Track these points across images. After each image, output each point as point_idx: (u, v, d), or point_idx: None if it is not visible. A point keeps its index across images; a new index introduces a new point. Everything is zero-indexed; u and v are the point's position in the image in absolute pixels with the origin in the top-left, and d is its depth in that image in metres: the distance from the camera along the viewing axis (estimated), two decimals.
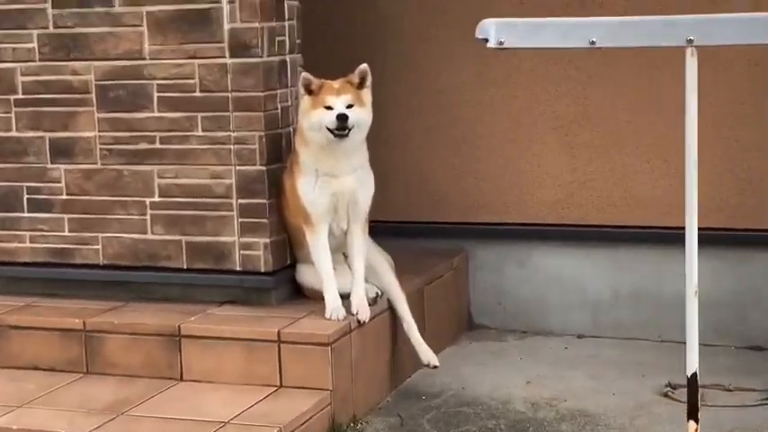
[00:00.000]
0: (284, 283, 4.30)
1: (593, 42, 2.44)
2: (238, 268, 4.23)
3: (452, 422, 3.99)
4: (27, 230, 4.50)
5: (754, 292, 4.77)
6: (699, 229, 4.69)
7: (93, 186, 4.38)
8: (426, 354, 4.28)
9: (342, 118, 3.87)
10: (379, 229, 4.44)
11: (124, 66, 4.25)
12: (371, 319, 4.08)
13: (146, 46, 4.22)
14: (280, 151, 4.23)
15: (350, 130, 3.91)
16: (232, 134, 4.16)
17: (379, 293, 4.24)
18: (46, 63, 4.37)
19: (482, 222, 5.10)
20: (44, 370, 4.21)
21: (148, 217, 4.32)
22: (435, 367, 4.28)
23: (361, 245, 4.13)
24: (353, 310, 4.03)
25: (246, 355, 3.95)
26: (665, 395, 4.18)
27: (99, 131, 4.34)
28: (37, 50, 4.38)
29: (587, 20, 2.47)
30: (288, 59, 4.27)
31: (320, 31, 5.16)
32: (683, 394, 4.09)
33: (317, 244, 4.07)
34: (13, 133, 4.46)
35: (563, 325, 5.04)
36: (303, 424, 3.66)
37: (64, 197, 4.43)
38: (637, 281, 4.91)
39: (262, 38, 4.09)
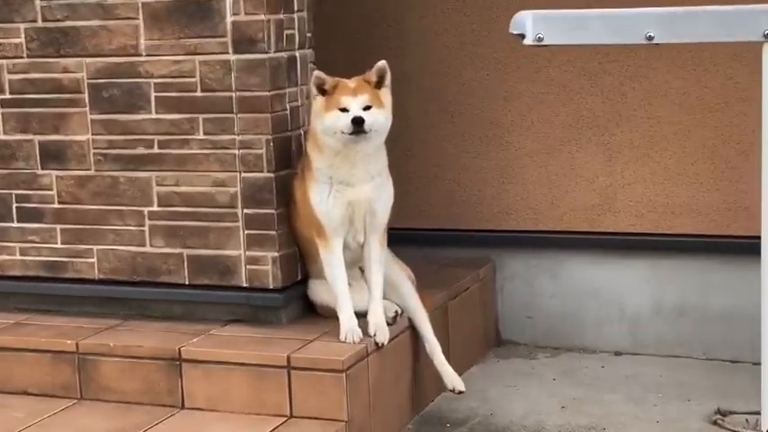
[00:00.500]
0: (294, 300, 3.96)
1: (650, 38, 2.06)
2: (244, 284, 3.90)
3: None
4: (16, 242, 4.19)
5: None
6: (753, 237, 4.34)
7: (86, 194, 4.05)
8: (451, 378, 3.92)
9: (358, 122, 3.52)
10: (398, 238, 4.10)
11: (118, 62, 3.92)
12: (391, 340, 3.73)
13: (141, 41, 3.88)
14: (289, 156, 3.88)
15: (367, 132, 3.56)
16: (237, 138, 3.82)
17: (399, 312, 3.89)
18: (34, 60, 4.04)
19: (510, 230, 4.74)
20: (35, 395, 3.90)
21: (147, 228, 3.99)
22: (461, 393, 3.92)
23: (379, 259, 3.77)
24: (371, 332, 3.68)
25: (253, 382, 3.61)
26: (715, 423, 3.81)
27: (92, 134, 4.01)
28: (24, 46, 4.04)
29: (643, 11, 2.08)
30: (297, 55, 3.91)
31: (333, 24, 4.82)
32: (734, 422, 3.76)
33: (331, 258, 3.72)
34: (1, 136, 4.15)
35: (599, 341, 4.68)
36: None
37: (55, 206, 4.11)
38: (680, 294, 4.54)
39: (268, 31, 3.73)
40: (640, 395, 4.14)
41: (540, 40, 2.12)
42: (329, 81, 3.62)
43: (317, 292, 3.93)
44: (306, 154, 3.78)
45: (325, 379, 3.52)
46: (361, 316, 3.73)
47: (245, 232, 3.86)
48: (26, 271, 4.19)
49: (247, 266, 3.88)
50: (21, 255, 4.18)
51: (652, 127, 4.48)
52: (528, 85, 4.62)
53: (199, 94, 3.84)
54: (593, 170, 4.58)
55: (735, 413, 3.85)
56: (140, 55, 3.88)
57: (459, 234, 4.82)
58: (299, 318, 3.95)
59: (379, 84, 3.64)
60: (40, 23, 4.00)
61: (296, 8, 3.90)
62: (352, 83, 3.62)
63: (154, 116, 3.90)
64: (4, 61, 4.07)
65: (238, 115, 3.80)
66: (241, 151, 3.82)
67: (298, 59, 3.91)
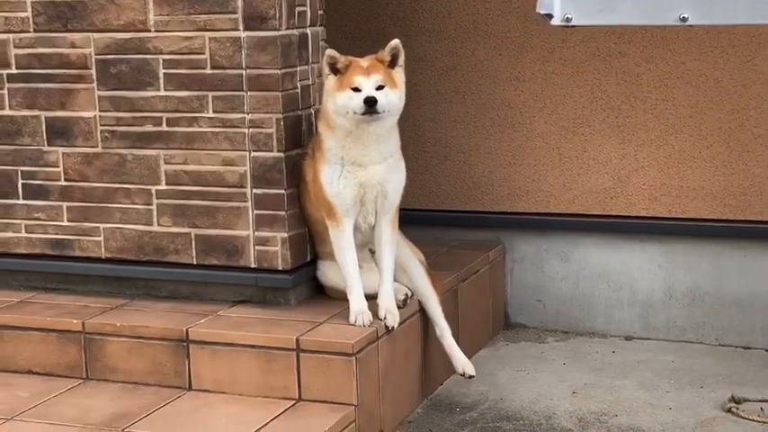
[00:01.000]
0: (303, 281, 3.90)
1: (684, 19, 1.98)
2: (253, 265, 3.84)
3: None
4: (22, 219, 4.13)
5: None
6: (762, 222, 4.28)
7: (93, 172, 3.98)
8: (461, 362, 3.88)
9: (370, 102, 3.44)
10: (407, 219, 4.04)
11: (127, 38, 3.84)
12: (401, 323, 3.68)
13: (150, 16, 3.80)
14: (299, 136, 3.81)
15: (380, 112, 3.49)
16: (246, 116, 3.74)
17: (409, 294, 3.84)
18: (41, 34, 3.96)
19: (521, 212, 4.68)
20: (40, 374, 3.86)
21: (154, 207, 3.92)
22: (471, 377, 3.87)
23: (390, 241, 3.71)
24: (381, 315, 3.63)
25: (261, 364, 3.56)
26: (729, 411, 3.76)
27: (99, 111, 3.94)
28: (31, 20, 3.97)
29: None
30: (309, 33, 3.83)
31: (345, 2, 4.73)
32: (749, 410, 3.71)
33: (342, 240, 3.66)
34: (6, 111, 4.07)
35: (609, 325, 4.62)
36: None
37: (62, 183, 4.04)
38: (692, 278, 4.49)
39: (280, 8, 3.66)
40: (652, 381, 4.09)
41: (568, 20, 2.05)
42: (342, 60, 3.54)
43: (327, 273, 3.87)
44: (317, 134, 3.71)
45: (334, 362, 3.47)
46: (371, 298, 3.68)
47: (255, 212, 3.80)
48: (32, 249, 4.13)
49: (256, 247, 3.82)
50: (26, 232, 4.12)
51: (667, 109, 4.41)
52: (541, 65, 4.55)
53: (208, 71, 3.76)
54: (606, 153, 4.52)
55: (748, 400, 3.80)
56: (149, 31, 3.81)
57: (469, 216, 4.76)
58: (308, 299, 3.90)
59: (392, 63, 3.57)
60: None
61: None
62: (365, 62, 3.55)
63: (162, 93, 3.83)
64: (11, 36, 4.00)
65: (248, 93, 3.73)
66: (251, 130, 3.75)
67: (309, 37, 3.84)
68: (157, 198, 3.92)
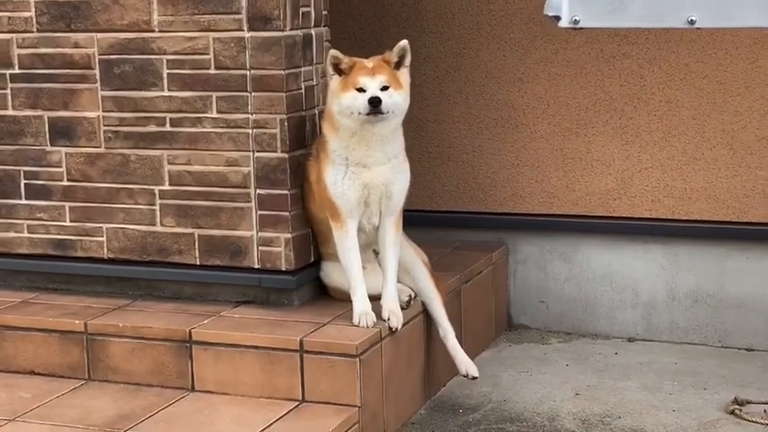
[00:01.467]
0: (307, 282, 3.89)
1: (692, 21, 1.98)
2: (256, 266, 3.83)
3: None
4: (24, 219, 4.12)
5: None
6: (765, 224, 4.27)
7: (96, 172, 3.97)
8: (465, 363, 3.87)
9: (375, 102, 3.44)
10: (412, 219, 4.03)
11: (131, 38, 3.83)
12: (404, 324, 3.68)
13: (154, 16, 3.79)
14: (303, 136, 3.80)
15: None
16: (250, 117, 3.74)
17: (413, 295, 3.83)
18: (45, 34, 3.95)
19: (524, 213, 4.67)
20: (42, 375, 3.85)
21: (157, 207, 3.91)
22: (474, 378, 3.87)
23: (394, 242, 3.71)
24: (384, 316, 3.62)
25: (265, 366, 3.55)
26: (732, 413, 3.75)
27: (103, 111, 3.93)
28: (35, 20, 3.96)
29: None
30: (313, 33, 3.82)
31: (349, 2, 4.73)
32: (752, 412, 3.71)
33: (345, 241, 3.65)
34: (9, 111, 4.06)
35: (612, 327, 4.62)
36: None
37: (65, 183, 4.03)
38: (695, 280, 4.48)
39: (284, 9, 3.65)
40: (655, 383, 4.08)
41: (576, 22, 2.04)
42: (345, 60, 3.54)
43: (330, 274, 3.86)
44: (321, 134, 3.71)
45: (338, 363, 3.46)
46: (375, 299, 3.67)
47: (258, 213, 3.79)
48: (34, 249, 4.12)
49: (260, 248, 3.81)
50: (29, 232, 4.11)
51: (670, 111, 4.40)
52: (544, 66, 4.54)
53: (212, 71, 3.76)
54: (609, 154, 4.51)
55: (752, 402, 3.79)
56: (153, 31, 3.80)
57: (472, 217, 4.75)
58: (312, 300, 3.89)
59: (398, 64, 3.57)
60: None
61: None
62: (369, 62, 3.54)
63: (166, 93, 3.83)
64: (14, 35, 3.99)
65: (252, 94, 3.73)
66: (255, 130, 3.74)
67: (314, 37, 3.83)
68: (161, 198, 3.91)
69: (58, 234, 4.07)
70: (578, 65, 4.49)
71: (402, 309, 3.69)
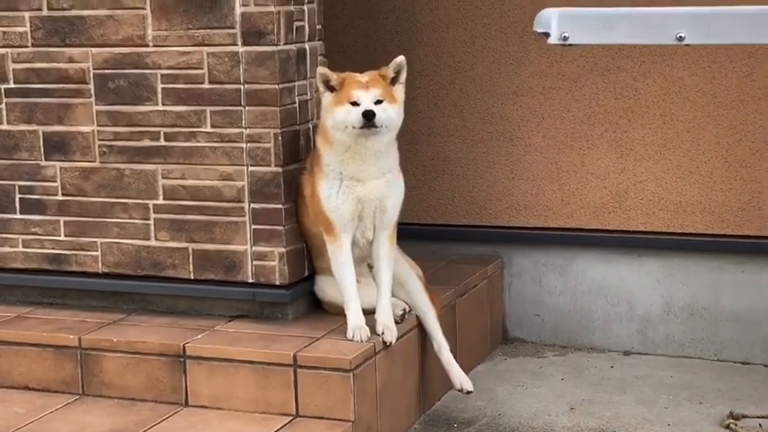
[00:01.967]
0: (301, 296, 3.89)
1: (681, 38, 1.98)
2: (250, 280, 3.83)
3: None
4: (19, 234, 4.12)
5: None
6: (766, 238, 4.27)
7: (91, 186, 3.98)
8: (459, 377, 3.86)
9: (369, 115, 3.44)
10: (407, 233, 4.04)
11: (125, 53, 3.84)
12: (398, 338, 3.67)
13: (149, 31, 3.80)
14: (297, 150, 3.81)
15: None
16: (244, 131, 3.74)
17: (407, 309, 3.83)
18: (39, 49, 3.96)
19: (519, 227, 4.67)
20: (36, 390, 3.84)
21: (152, 221, 3.91)
22: (469, 392, 3.86)
23: (388, 256, 3.70)
24: (379, 330, 3.61)
25: (259, 380, 3.55)
26: (728, 427, 3.74)
27: (97, 126, 3.93)
28: (29, 35, 3.97)
29: (674, 10, 2.01)
30: (307, 47, 3.83)
31: (343, 16, 4.74)
32: (747, 426, 3.70)
33: (339, 255, 3.65)
34: (4, 126, 4.07)
35: (607, 340, 4.61)
36: None
37: (59, 198, 4.03)
38: (691, 293, 4.47)
39: (278, 23, 3.66)
40: (650, 397, 4.07)
41: (565, 39, 2.04)
42: (334, 77, 3.54)
43: (325, 288, 3.86)
44: (315, 149, 3.71)
45: (331, 378, 3.46)
46: (369, 313, 3.66)
47: (252, 227, 3.79)
48: (29, 263, 4.12)
49: (254, 262, 3.81)
50: (23, 247, 4.11)
51: (665, 124, 4.41)
52: (539, 79, 4.55)
53: (206, 86, 3.76)
54: (604, 167, 4.51)
55: (747, 417, 3.79)
56: (147, 45, 3.80)
57: (467, 230, 4.74)
58: (306, 314, 3.89)
59: (394, 80, 3.57)
60: (45, 12, 3.92)
61: (306, 0, 3.82)
62: (364, 77, 3.54)
63: (160, 108, 3.83)
64: (9, 50, 4.00)
65: (246, 108, 3.73)
66: (249, 145, 3.75)
67: (308, 52, 3.84)
68: (155, 213, 3.91)
69: (53, 248, 4.07)
70: (573, 78, 4.50)
71: (396, 323, 3.69)
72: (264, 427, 3.44)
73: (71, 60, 3.92)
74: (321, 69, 3.56)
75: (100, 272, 4.02)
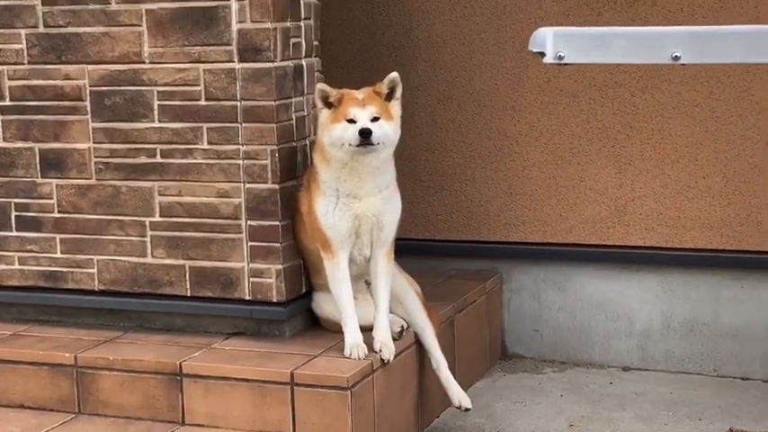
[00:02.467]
0: (298, 313, 3.87)
1: (676, 58, 1.97)
2: (247, 297, 3.81)
3: None
4: (15, 251, 4.10)
5: None
6: (765, 253, 4.26)
7: (87, 204, 3.96)
8: (457, 394, 3.84)
9: (365, 133, 3.43)
10: (405, 249, 4.03)
11: (121, 70, 3.83)
12: (396, 356, 3.65)
13: (145, 48, 3.79)
14: (294, 167, 3.79)
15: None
16: (241, 148, 3.73)
17: (405, 326, 3.81)
18: (35, 66, 3.95)
19: (518, 242, 4.64)
20: (32, 409, 3.82)
21: (148, 239, 3.90)
22: (468, 410, 3.84)
23: (385, 273, 3.69)
24: (376, 348, 3.59)
25: (255, 398, 3.53)
26: None
27: (94, 143, 3.92)
28: (25, 52, 3.96)
29: (669, 30, 2.00)
30: (304, 64, 3.82)
31: (340, 32, 4.73)
32: None
33: (337, 272, 3.63)
34: (0, 143, 4.05)
35: (607, 356, 4.59)
36: None
37: (55, 215, 4.02)
38: (690, 309, 4.45)
39: (274, 40, 3.65)
40: (650, 413, 4.05)
41: (560, 58, 2.03)
42: (333, 93, 3.53)
43: (322, 305, 3.84)
44: (312, 166, 3.70)
45: (329, 396, 3.44)
46: (367, 330, 3.64)
47: (249, 244, 3.78)
48: (25, 281, 4.10)
49: (251, 279, 3.79)
50: (19, 264, 4.09)
51: (663, 139, 4.39)
52: (537, 95, 4.54)
53: (203, 102, 3.75)
54: (602, 182, 4.50)
55: None
56: (143, 62, 3.80)
57: (465, 246, 4.73)
58: (303, 331, 3.87)
59: (389, 96, 3.56)
60: (41, 29, 3.91)
61: (303, 16, 3.81)
62: (360, 93, 3.53)
63: (157, 125, 3.82)
64: (5, 67, 3.99)
65: (243, 125, 3.72)
66: (245, 162, 3.73)
67: (304, 68, 3.83)
68: (151, 230, 3.90)
69: (49, 266, 4.05)
70: (571, 93, 4.49)
71: (394, 340, 3.67)
72: None
73: (67, 77, 3.91)
74: (320, 85, 3.55)
75: (96, 289, 4.01)
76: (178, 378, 3.62)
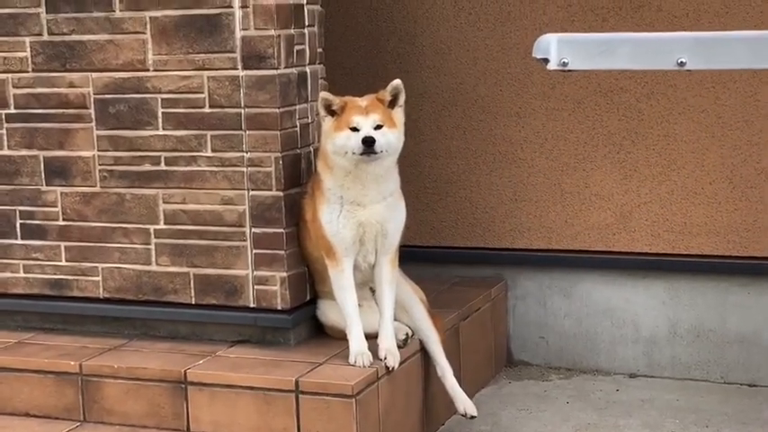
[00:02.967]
0: (303, 321, 3.86)
1: (682, 63, 1.96)
2: (252, 305, 3.80)
3: None
4: (20, 259, 4.10)
5: None
6: (766, 258, 4.23)
7: (91, 211, 3.96)
8: (463, 402, 3.83)
9: (368, 142, 3.42)
10: (409, 255, 4.02)
11: (125, 78, 3.83)
12: (401, 363, 3.64)
13: (149, 56, 3.78)
14: (298, 174, 3.79)
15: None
16: (245, 155, 3.72)
17: (410, 334, 3.79)
18: (40, 74, 3.95)
19: (523, 249, 4.63)
20: (37, 417, 3.82)
21: (153, 246, 3.89)
22: (473, 417, 3.82)
23: (390, 280, 3.68)
24: (381, 355, 3.58)
25: (260, 406, 3.52)
26: None
27: (98, 151, 3.92)
28: (30, 60, 3.96)
29: (675, 35, 1.99)
30: (308, 71, 3.82)
31: (344, 39, 4.73)
32: None
33: (341, 279, 3.62)
34: (5, 151, 4.05)
35: (613, 363, 4.57)
36: None
37: (60, 223, 4.01)
38: (697, 315, 4.43)
39: (278, 47, 3.64)
40: (657, 420, 4.03)
41: (564, 65, 2.02)
42: (336, 101, 3.52)
43: (327, 313, 3.83)
44: (316, 173, 3.69)
45: (334, 404, 3.43)
46: (372, 337, 3.63)
47: (254, 251, 3.77)
48: (30, 289, 4.09)
49: (255, 286, 3.78)
50: (24, 272, 4.09)
51: (669, 145, 4.38)
52: (542, 101, 4.53)
53: (207, 110, 3.75)
54: (608, 188, 4.48)
55: None
56: (148, 70, 3.79)
57: (470, 252, 4.71)
58: (308, 339, 3.86)
59: (392, 103, 3.55)
60: (45, 37, 3.91)
61: (306, 23, 3.81)
62: (363, 101, 3.53)
63: (161, 132, 3.82)
64: (9, 75, 3.99)
65: (247, 132, 3.71)
66: (250, 169, 3.73)
67: (308, 75, 3.82)
68: (156, 237, 3.89)
69: (54, 274, 4.05)
70: (576, 99, 4.48)
71: (399, 347, 3.65)
72: None
73: (71, 85, 3.91)
74: (324, 94, 3.55)
75: (101, 297, 4.00)
76: (183, 386, 3.62)
